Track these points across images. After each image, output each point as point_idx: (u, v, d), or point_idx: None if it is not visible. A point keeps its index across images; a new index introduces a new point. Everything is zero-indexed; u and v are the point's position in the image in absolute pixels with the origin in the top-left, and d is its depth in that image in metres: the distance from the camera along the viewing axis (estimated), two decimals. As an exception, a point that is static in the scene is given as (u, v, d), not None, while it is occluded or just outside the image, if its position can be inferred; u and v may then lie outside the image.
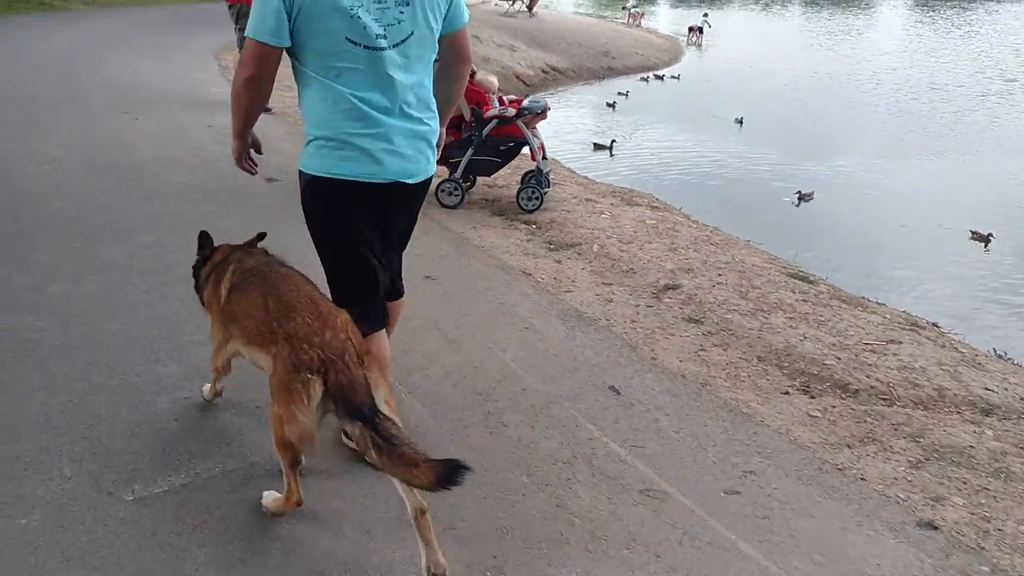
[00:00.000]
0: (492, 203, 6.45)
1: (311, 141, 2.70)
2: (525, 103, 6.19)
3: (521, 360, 3.87)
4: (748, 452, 3.27)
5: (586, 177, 8.07)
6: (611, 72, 24.54)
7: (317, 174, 2.70)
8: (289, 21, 2.51)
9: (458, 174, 6.22)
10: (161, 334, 3.84)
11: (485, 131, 6.11)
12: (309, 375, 2.34)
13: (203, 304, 3.07)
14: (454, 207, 6.20)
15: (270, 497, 2.67)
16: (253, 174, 3.02)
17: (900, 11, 47.86)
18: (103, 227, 5.21)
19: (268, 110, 2.88)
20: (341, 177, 2.67)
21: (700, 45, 30.71)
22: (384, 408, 2.35)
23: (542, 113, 6.21)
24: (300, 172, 2.76)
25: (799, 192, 10.88)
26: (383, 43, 2.57)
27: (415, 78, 2.68)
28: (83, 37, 14.49)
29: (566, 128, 14.65)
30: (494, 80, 6.39)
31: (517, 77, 21.60)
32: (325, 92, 2.60)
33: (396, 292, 3.13)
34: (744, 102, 17.62)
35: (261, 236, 3.12)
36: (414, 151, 2.74)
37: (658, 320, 4.47)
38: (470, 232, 5.70)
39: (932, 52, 28.53)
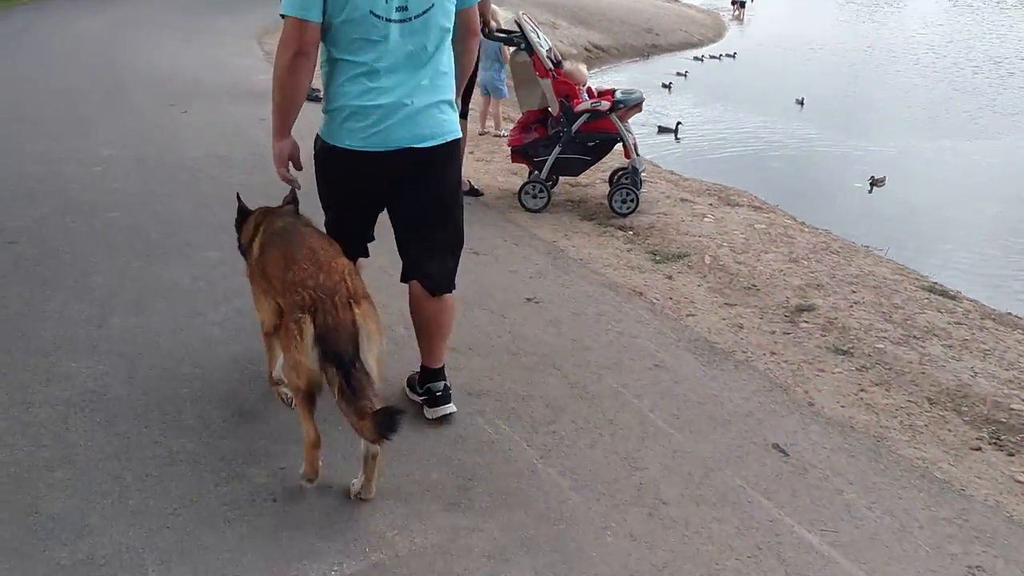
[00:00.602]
0: (578, 205, 5.84)
1: (328, 111, 2.76)
2: (618, 95, 5.56)
3: (661, 410, 3.29)
4: (964, 537, 2.67)
5: (673, 172, 7.40)
6: (655, 50, 23.72)
7: (328, 142, 2.78)
8: None
9: (543, 174, 5.62)
10: (244, 381, 3.29)
11: (575, 126, 5.49)
12: (301, 314, 2.40)
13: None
14: (539, 211, 5.60)
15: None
16: (298, 188, 2.97)
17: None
18: (162, 241, 4.68)
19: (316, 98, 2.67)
20: (350, 148, 2.73)
21: (742, 20, 29.71)
22: (369, 360, 2.39)
23: (637, 106, 5.58)
24: (316, 136, 2.84)
25: (872, 177, 10.18)
26: (403, 15, 2.64)
27: (435, 49, 2.73)
28: (116, 21, 14.00)
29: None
30: (584, 70, 5.77)
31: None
32: (344, 65, 2.68)
33: (437, 282, 2.99)
34: (802, 80, 16.81)
35: (294, 199, 3.10)
36: (429, 117, 2.76)
37: (801, 351, 3.86)
38: (563, 241, 5.10)
39: (984, 23, 27.29)
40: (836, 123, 13.81)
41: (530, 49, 5.52)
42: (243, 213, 3.16)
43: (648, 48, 23.69)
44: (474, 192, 5.89)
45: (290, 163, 2.87)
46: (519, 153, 5.78)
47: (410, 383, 3.24)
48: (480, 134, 7.84)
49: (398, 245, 3.02)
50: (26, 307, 3.85)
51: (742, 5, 29.75)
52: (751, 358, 3.78)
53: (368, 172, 2.80)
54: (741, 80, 17.48)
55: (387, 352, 2.69)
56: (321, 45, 2.68)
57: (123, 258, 4.42)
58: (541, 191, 5.63)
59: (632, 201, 5.55)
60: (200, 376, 3.32)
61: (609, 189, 5.83)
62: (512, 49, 5.86)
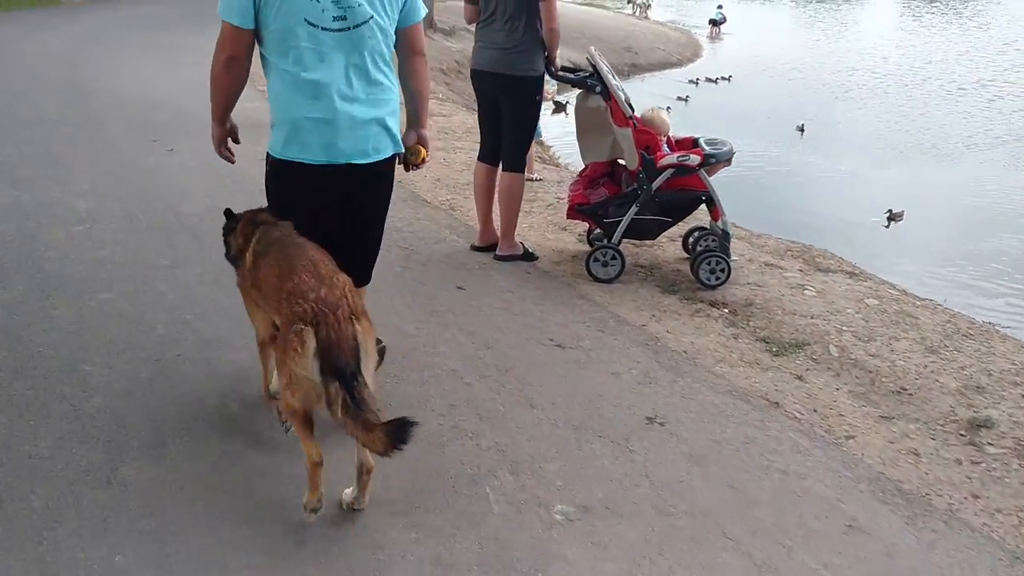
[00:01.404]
0: (651, 272, 4.97)
1: (274, 125, 2.81)
2: (705, 147, 4.69)
3: (897, 609, 2.40)
4: None
5: (734, 224, 6.54)
6: (635, 69, 23.06)
7: (277, 156, 2.83)
8: (254, 3, 2.63)
9: (615, 238, 4.73)
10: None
11: (656, 183, 4.61)
12: (302, 325, 2.35)
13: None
14: (610, 280, 4.70)
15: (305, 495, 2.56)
16: (232, 163, 3.06)
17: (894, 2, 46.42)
18: (173, 338, 3.70)
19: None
20: (298, 160, 2.78)
21: (717, 39, 29.22)
22: (368, 375, 2.36)
23: (728, 160, 4.71)
24: (267, 153, 2.88)
25: (889, 211, 9.54)
26: (341, 24, 2.67)
27: (372, 60, 2.77)
28: (85, 37, 12.77)
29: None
30: (665, 117, 4.91)
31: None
32: (284, 76, 2.73)
33: (360, 279, 2.97)
34: (794, 104, 16.22)
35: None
36: (368, 132, 2.80)
37: (1009, 492, 3.03)
38: (654, 326, 4.21)
39: (954, 45, 27.14)
40: (838, 150, 13.19)
41: (606, 92, 4.63)
42: (231, 219, 3.06)
43: (628, 67, 22.97)
44: (528, 256, 5.00)
45: (229, 141, 2.98)
46: (585, 213, 4.89)
47: None
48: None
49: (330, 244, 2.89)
50: (4, 451, 2.83)
51: (717, 24, 29.22)
52: (955, 507, 2.93)
53: (314, 185, 2.83)
54: (737, 104, 16.77)
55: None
56: (262, 53, 2.75)
57: (129, 368, 3.43)
58: (614, 258, 4.75)
59: (723, 271, 4.69)
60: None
61: (689, 254, 4.97)
62: (577, 92, 4.97)
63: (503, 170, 4.93)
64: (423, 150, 3.09)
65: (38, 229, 4.89)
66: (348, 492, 2.59)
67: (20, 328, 3.71)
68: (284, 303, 2.47)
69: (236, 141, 3.02)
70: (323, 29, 2.64)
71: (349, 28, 2.67)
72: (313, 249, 2.67)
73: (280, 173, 2.86)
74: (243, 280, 2.92)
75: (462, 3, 4.94)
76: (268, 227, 2.86)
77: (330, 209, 2.90)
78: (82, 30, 13.57)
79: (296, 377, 2.38)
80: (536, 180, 6.96)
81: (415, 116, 3.06)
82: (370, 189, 2.95)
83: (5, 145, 6.59)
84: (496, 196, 5.01)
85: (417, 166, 3.12)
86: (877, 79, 20.49)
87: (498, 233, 5.08)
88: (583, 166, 5.24)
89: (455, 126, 9.14)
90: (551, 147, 10.40)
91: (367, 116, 2.80)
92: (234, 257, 3.00)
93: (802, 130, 14.31)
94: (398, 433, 2.21)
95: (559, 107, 16.40)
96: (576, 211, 4.97)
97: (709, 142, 4.77)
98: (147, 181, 5.98)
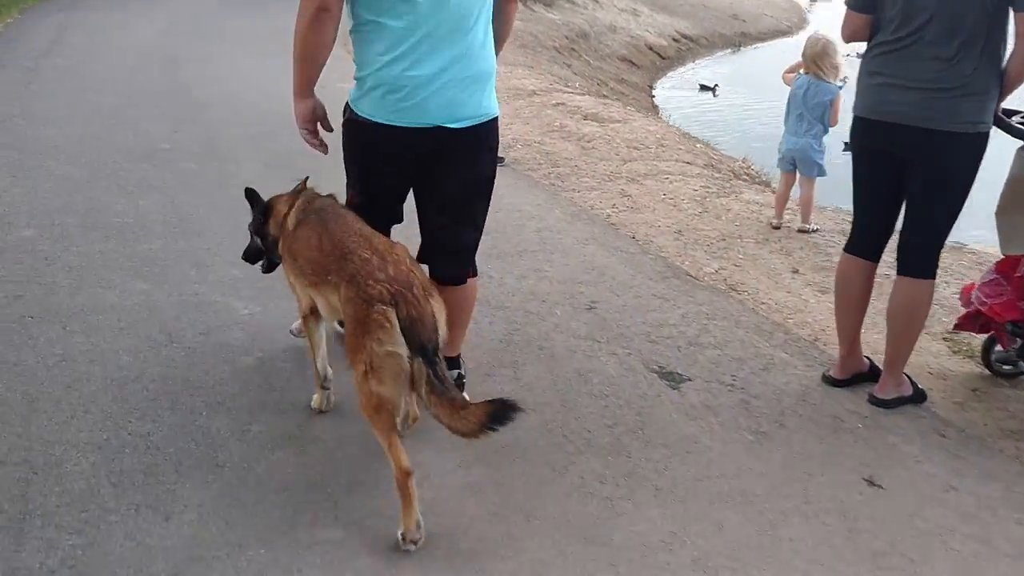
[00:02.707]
0: None
1: (358, 79, 2.57)
2: None
3: None
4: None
5: None
6: (746, 38, 20.79)
7: (359, 114, 2.59)
8: None
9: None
10: None
11: None
12: (383, 306, 2.20)
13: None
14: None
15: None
16: (325, 153, 2.75)
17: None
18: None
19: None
20: (377, 121, 2.54)
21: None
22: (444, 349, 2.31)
23: None
24: (345, 104, 2.65)
25: None
26: None
27: (475, 16, 2.51)
28: (177, 22, 11.00)
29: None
30: None
31: (650, 48, 18.02)
32: (375, 31, 2.48)
33: (453, 271, 2.72)
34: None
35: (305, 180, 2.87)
36: (464, 94, 2.54)
37: None
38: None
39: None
40: None
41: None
42: (262, 205, 2.89)
43: (738, 37, 20.73)
44: (918, 395, 3.19)
45: (318, 124, 2.69)
46: (1009, 333, 3.11)
47: None
48: (775, 227, 5.03)
49: (420, 225, 2.78)
50: None
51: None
52: None
53: (395, 148, 2.59)
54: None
55: None
56: (348, 6, 2.47)
57: None
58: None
59: None
60: None
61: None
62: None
63: (906, 275, 3.08)
64: None
65: (189, 365, 3.15)
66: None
67: None
68: (347, 286, 2.31)
69: (327, 128, 2.72)
70: None
71: None
72: (358, 221, 2.54)
73: (360, 132, 2.60)
74: (283, 257, 2.78)
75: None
76: (313, 197, 2.75)
77: (414, 176, 2.68)
78: (171, 14, 11.81)
79: (381, 357, 2.20)
80: (813, 231, 5.06)
81: None
82: (460, 156, 2.61)
83: (116, 197, 4.89)
84: (876, 306, 3.20)
85: None
86: None
87: (869, 361, 3.28)
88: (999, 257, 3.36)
89: (642, 138, 7.23)
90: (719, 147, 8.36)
91: (466, 75, 2.52)
92: (270, 243, 2.87)
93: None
94: (498, 413, 2.09)
95: (705, 89, 14.33)
96: (989, 325, 3.18)
97: None
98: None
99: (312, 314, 2.72)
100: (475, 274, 2.87)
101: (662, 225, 5.09)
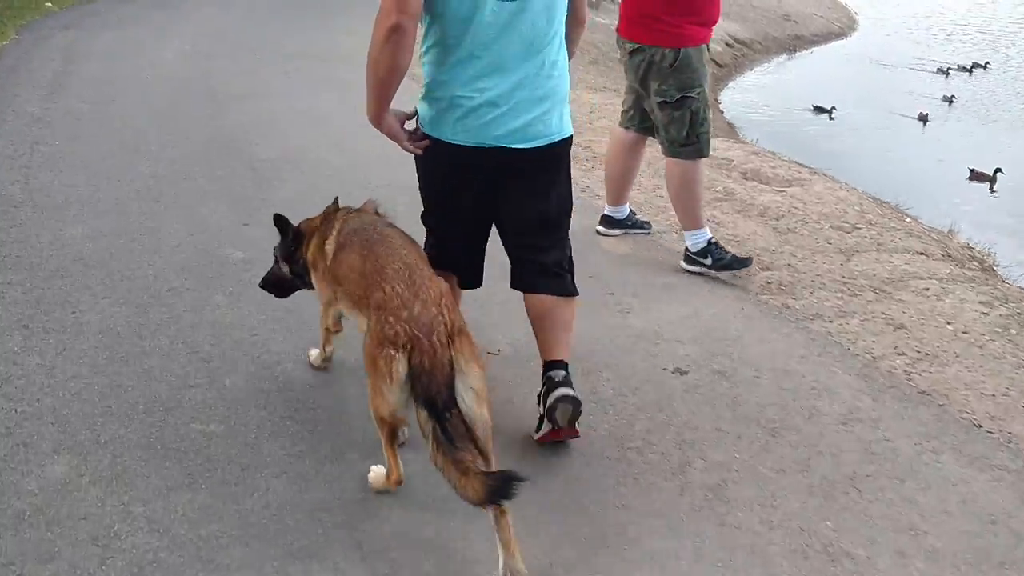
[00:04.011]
0: None
1: (427, 97, 2.57)
2: None
3: None
4: None
5: None
6: (799, 41, 18.99)
7: (429, 134, 2.59)
8: None
9: None
10: None
11: None
12: (393, 351, 2.14)
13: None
14: None
15: (374, 472, 2.46)
16: (421, 152, 2.62)
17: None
18: None
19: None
20: (447, 140, 2.55)
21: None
22: (466, 397, 2.12)
23: None
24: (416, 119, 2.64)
25: None
26: None
27: (548, 35, 2.50)
28: (196, 45, 9.01)
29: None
30: None
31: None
32: (446, 48, 2.46)
33: (553, 285, 2.76)
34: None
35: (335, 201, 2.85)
36: (534, 112, 2.53)
37: None
38: None
39: None
40: None
41: None
42: (293, 232, 2.88)
43: (792, 40, 18.91)
44: None
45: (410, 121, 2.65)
46: None
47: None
48: None
49: (507, 252, 2.84)
50: None
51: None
52: None
53: (464, 170, 2.60)
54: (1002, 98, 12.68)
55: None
56: (427, 20, 2.44)
57: None
58: None
59: None
60: None
61: None
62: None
63: None
64: None
65: None
66: (500, 570, 2.11)
67: None
68: (374, 314, 2.25)
69: (412, 119, 2.65)
70: None
71: None
72: (403, 245, 2.46)
73: (431, 152, 2.59)
74: (319, 276, 2.74)
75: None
76: (350, 216, 2.71)
77: (488, 200, 2.67)
78: (195, 28, 9.85)
79: (382, 399, 2.20)
80: None
81: None
82: (533, 177, 2.63)
83: (183, 365, 3.08)
84: None
85: None
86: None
87: None
88: None
89: (839, 211, 5.45)
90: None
91: (537, 95, 2.52)
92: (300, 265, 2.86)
93: None
94: (500, 487, 1.91)
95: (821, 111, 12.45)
96: None
97: None
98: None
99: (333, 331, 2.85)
100: (576, 292, 2.84)
101: (998, 397, 3.33)
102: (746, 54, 17.37)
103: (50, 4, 10.38)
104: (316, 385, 3.11)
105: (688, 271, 4.31)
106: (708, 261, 4.21)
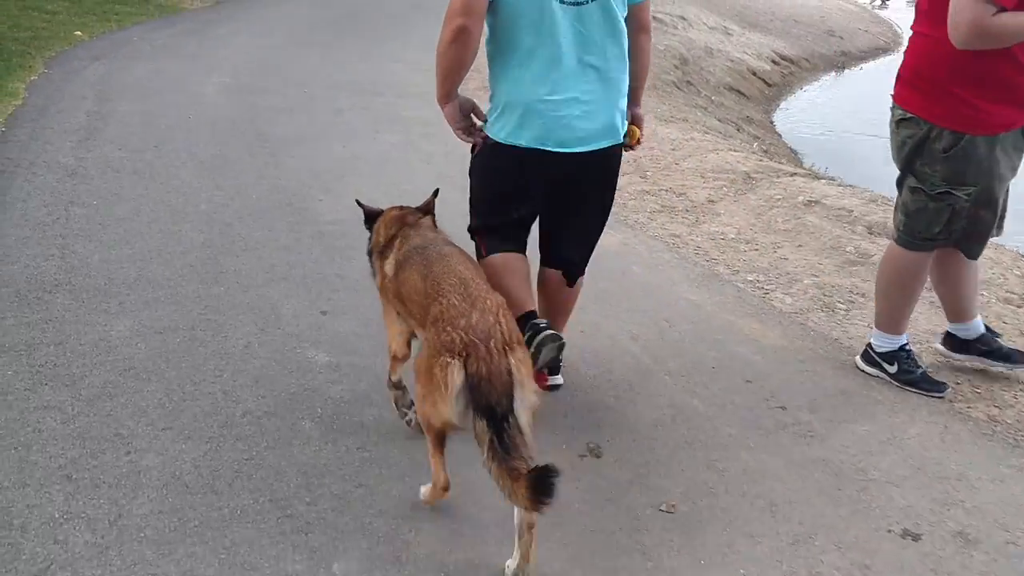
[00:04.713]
0: None
1: (492, 100, 2.69)
2: None
3: None
4: None
5: None
6: (847, 58, 18.12)
7: (490, 137, 2.69)
8: None
9: None
10: None
11: None
12: (449, 359, 2.07)
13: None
14: None
15: (424, 488, 2.42)
16: (478, 142, 2.77)
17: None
18: None
19: None
20: (508, 143, 2.63)
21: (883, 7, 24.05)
22: (522, 414, 2.05)
23: None
24: (484, 134, 2.73)
25: None
26: None
27: (608, 42, 2.58)
28: (236, 78, 8.31)
29: None
30: None
31: (753, 74, 15.37)
32: (509, 53, 2.56)
33: (569, 269, 2.93)
34: None
35: (435, 193, 2.86)
36: (601, 117, 2.64)
37: None
38: None
39: None
40: None
41: None
42: (371, 216, 2.84)
43: (839, 57, 18.06)
44: None
45: (472, 116, 2.77)
46: None
47: None
48: None
49: (541, 235, 2.96)
50: None
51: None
52: None
53: (525, 172, 2.68)
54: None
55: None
56: (492, 26, 2.55)
57: None
58: None
59: None
60: None
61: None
62: None
63: None
64: (637, 130, 2.90)
65: None
66: (511, 564, 2.17)
67: None
68: (431, 328, 2.20)
69: (481, 117, 2.78)
70: (560, 2, 2.48)
71: (585, 1, 2.50)
72: (461, 263, 2.42)
73: (490, 154, 2.71)
74: (383, 287, 2.68)
75: None
76: (409, 230, 2.65)
77: (541, 198, 2.80)
78: (231, 57, 9.14)
79: (435, 409, 2.13)
80: None
81: (633, 94, 2.82)
82: (591, 177, 2.77)
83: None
84: None
85: (631, 147, 2.89)
86: None
87: None
88: None
89: (1011, 281, 4.61)
90: None
91: (599, 100, 2.61)
92: (370, 252, 2.81)
93: None
94: (541, 486, 1.87)
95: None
96: None
97: None
98: None
99: (400, 359, 2.71)
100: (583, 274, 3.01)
101: None
102: (794, 72, 16.57)
103: (79, 33, 9.69)
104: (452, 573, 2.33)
105: (863, 371, 3.50)
106: (893, 369, 3.38)
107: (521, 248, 2.85)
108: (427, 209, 2.81)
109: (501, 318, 2.16)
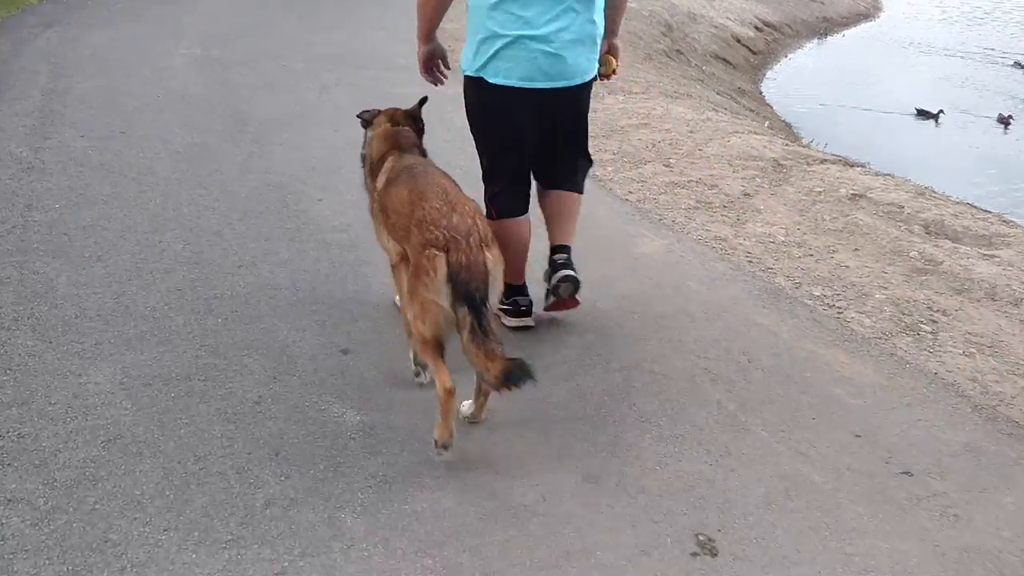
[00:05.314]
0: None
1: (469, 40, 2.80)
2: None
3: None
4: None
5: None
6: (828, 24, 17.61)
7: (472, 76, 2.86)
8: None
9: None
10: None
11: None
12: (435, 251, 2.32)
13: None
14: None
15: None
16: (439, 84, 3.08)
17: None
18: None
19: None
20: (496, 83, 2.78)
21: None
22: (493, 297, 2.37)
23: None
24: (463, 73, 2.90)
25: None
26: None
27: None
28: (207, 49, 7.43)
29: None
30: None
31: (738, 41, 14.80)
32: None
33: (570, 183, 3.14)
34: None
35: (423, 101, 3.07)
36: (577, 53, 2.79)
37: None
38: None
39: None
40: None
41: None
42: (368, 120, 3.05)
43: (821, 23, 17.58)
44: None
45: (439, 62, 3.01)
46: None
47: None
48: None
49: (534, 161, 3.07)
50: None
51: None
52: None
53: (517, 107, 2.82)
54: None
55: None
56: None
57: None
58: None
59: None
60: None
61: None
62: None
63: None
64: (613, 60, 3.07)
65: None
66: (466, 404, 2.57)
67: None
68: (415, 230, 2.41)
69: (446, 66, 3.04)
70: None
71: None
72: (442, 176, 2.66)
73: (480, 92, 2.85)
74: (373, 204, 2.90)
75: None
76: (401, 153, 2.84)
77: (529, 130, 2.93)
78: (201, 26, 8.21)
79: (426, 302, 2.35)
80: None
81: (611, 26, 2.98)
82: (570, 108, 2.99)
83: None
84: None
85: (607, 77, 3.09)
86: None
87: None
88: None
89: None
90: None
91: (578, 36, 2.75)
92: (362, 156, 3.03)
93: None
94: (514, 374, 2.19)
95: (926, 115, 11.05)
96: None
97: None
98: None
99: (403, 261, 2.70)
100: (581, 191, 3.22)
101: None
102: (777, 39, 16.05)
103: (27, -6, 8.70)
104: None
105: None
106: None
107: (526, 207, 3.08)
108: (414, 114, 3.02)
109: (478, 221, 2.43)
